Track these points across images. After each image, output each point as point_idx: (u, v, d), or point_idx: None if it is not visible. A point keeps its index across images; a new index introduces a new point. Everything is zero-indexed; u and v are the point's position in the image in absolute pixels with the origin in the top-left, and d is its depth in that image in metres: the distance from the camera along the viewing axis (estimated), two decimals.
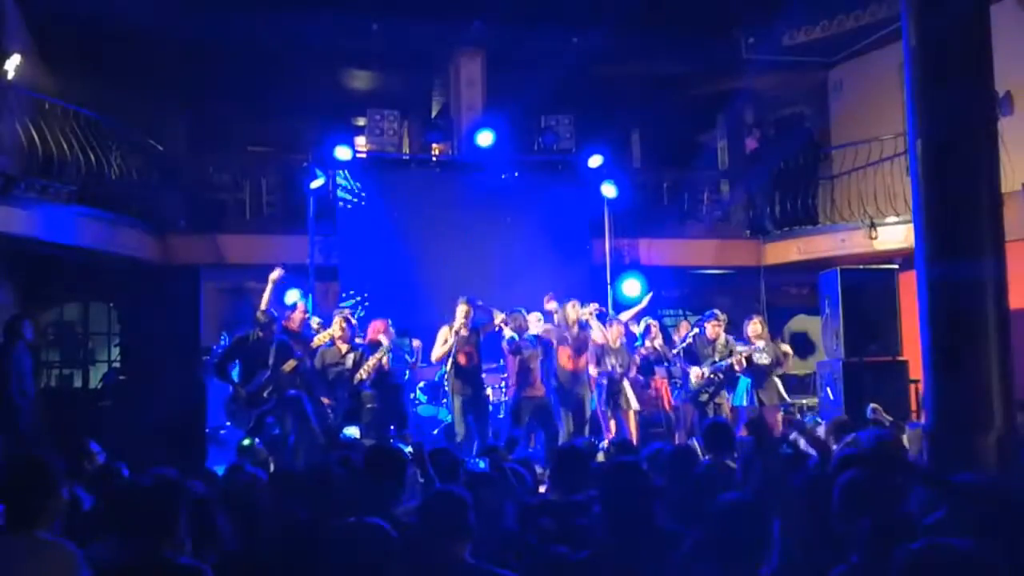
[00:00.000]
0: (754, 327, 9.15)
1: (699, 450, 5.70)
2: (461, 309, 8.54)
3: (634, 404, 9.00)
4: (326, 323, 8.87)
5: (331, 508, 3.64)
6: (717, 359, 9.03)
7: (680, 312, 13.72)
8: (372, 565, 2.88)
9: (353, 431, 8.25)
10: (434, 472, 4.32)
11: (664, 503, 3.78)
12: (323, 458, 6.59)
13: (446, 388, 9.07)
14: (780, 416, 9.09)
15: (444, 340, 8.53)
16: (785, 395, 9.15)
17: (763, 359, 8.96)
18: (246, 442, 7.44)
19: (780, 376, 9.27)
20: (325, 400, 8.24)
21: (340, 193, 11.71)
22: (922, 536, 2.67)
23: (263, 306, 8.22)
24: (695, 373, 9.03)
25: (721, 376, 9.04)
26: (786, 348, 9.48)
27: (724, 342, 9.14)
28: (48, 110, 9.89)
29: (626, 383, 9.01)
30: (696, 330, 9.32)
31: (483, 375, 8.91)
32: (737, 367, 8.95)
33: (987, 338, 4.62)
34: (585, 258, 12.13)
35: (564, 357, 8.64)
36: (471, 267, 11.24)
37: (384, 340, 8.57)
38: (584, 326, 8.74)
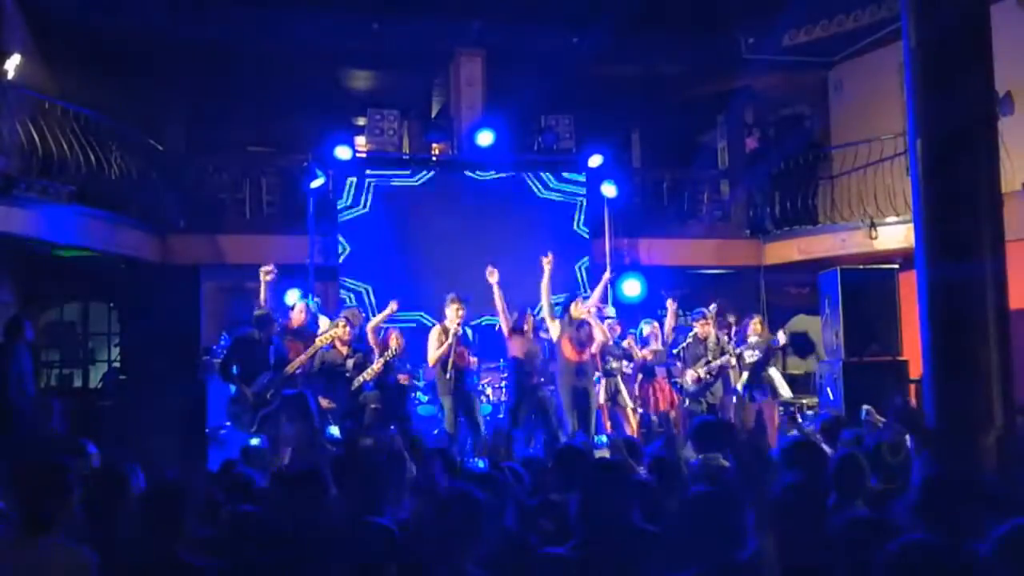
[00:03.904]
0: (754, 326, 9.24)
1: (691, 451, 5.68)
2: (454, 308, 8.50)
3: (629, 402, 9.01)
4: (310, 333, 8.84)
5: (325, 509, 3.63)
6: (711, 359, 9.06)
7: (680, 312, 13.72)
8: (375, 565, 2.87)
9: (333, 430, 8.23)
10: (435, 472, 4.32)
11: (648, 502, 3.78)
12: (317, 458, 6.60)
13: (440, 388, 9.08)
14: (776, 411, 9.15)
15: (440, 341, 8.47)
16: (781, 391, 9.16)
17: (754, 356, 9.01)
18: (254, 442, 7.41)
19: (780, 371, 9.32)
20: (324, 402, 8.24)
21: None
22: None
23: (261, 301, 8.18)
24: (690, 376, 9.06)
25: (714, 375, 9.08)
26: (781, 337, 9.39)
27: (715, 340, 9.16)
28: (48, 110, 9.88)
29: (620, 381, 9.03)
30: (694, 331, 9.33)
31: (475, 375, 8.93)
32: (731, 367, 9.02)
33: (987, 338, 4.62)
34: (585, 258, 12.14)
35: (568, 349, 8.61)
36: (470, 267, 11.20)
37: (393, 343, 8.58)
38: (584, 323, 8.73)
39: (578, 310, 8.67)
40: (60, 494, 3.11)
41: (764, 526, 3.11)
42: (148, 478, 3.98)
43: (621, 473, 3.56)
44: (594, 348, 8.77)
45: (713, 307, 9.31)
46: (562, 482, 4.30)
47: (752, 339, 9.14)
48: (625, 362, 9.17)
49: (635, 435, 8.80)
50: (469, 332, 8.66)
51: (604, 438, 8.25)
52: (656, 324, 9.70)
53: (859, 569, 2.69)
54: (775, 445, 8.00)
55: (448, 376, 8.40)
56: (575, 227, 12.23)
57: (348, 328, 8.50)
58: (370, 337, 8.68)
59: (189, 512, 3.32)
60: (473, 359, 8.79)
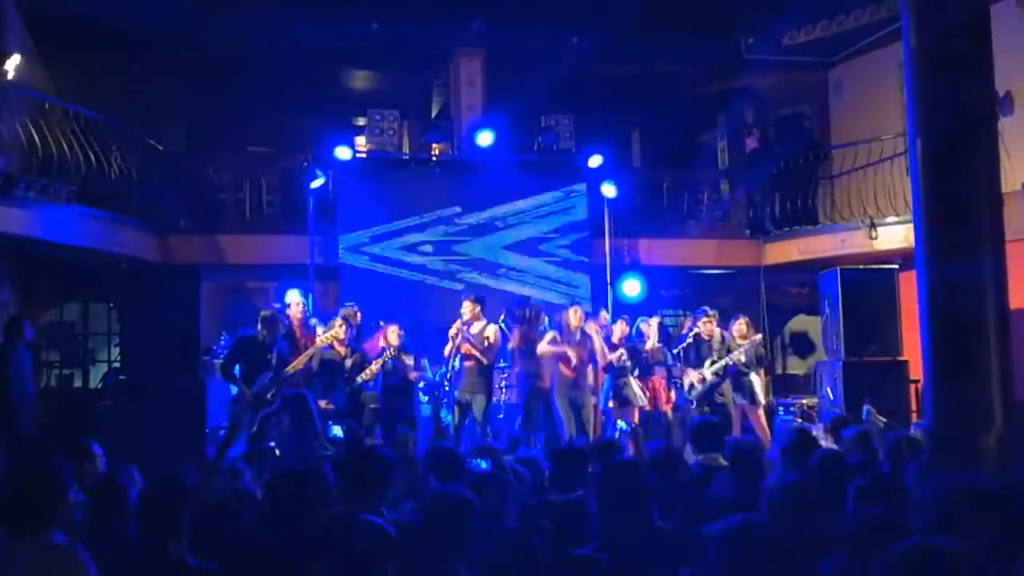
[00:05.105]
0: (739, 327, 9.21)
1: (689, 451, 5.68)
2: (466, 306, 8.63)
3: (641, 399, 9.00)
4: (324, 323, 8.87)
5: (326, 507, 3.63)
6: (716, 358, 9.03)
7: (680, 312, 13.72)
8: (370, 564, 2.86)
9: (336, 430, 8.26)
10: (435, 472, 4.31)
11: (658, 502, 3.79)
12: (318, 458, 6.59)
13: (446, 387, 9.12)
14: (760, 416, 9.14)
15: (450, 337, 8.65)
16: (760, 397, 9.18)
17: (739, 359, 9.00)
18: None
19: (762, 376, 9.33)
20: (322, 403, 8.24)
21: None
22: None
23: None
24: (695, 377, 9.02)
25: (721, 374, 9.05)
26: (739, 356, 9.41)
27: (720, 339, 9.14)
28: (48, 110, 9.88)
29: (631, 377, 9.02)
30: (697, 329, 9.32)
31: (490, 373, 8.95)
32: (743, 365, 8.98)
33: (987, 338, 4.62)
34: (585, 258, 12.13)
35: (562, 363, 8.64)
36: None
37: (392, 342, 8.62)
38: (586, 336, 8.73)
39: (576, 318, 8.67)
40: (54, 494, 3.11)
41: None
42: (148, 478, 3.98)
43: (638, 472, 3.55)
44: (601, 360, 8.76)
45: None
46: (563, 482, 4.30)
47: (743, 343, 9.14)
48: (623, 352, 9.11)
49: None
50: (492, 331, 8.71)
51: (623, 424, 8.29)
52: (654, 323, 9.68)
53: (863, 568, 2.69)
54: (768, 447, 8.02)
55: (449, 373, 8.54)
56: (574, 228, 12.21)
57: (346, 328, 8.50)
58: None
59: (187, 512, 3.32)
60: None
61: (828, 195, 12.76)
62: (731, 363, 8.98)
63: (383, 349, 8.67)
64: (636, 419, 8.96)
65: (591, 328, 8.75)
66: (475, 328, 8.66)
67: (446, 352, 8.73)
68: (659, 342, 9.46)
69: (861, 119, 12.65)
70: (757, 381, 9.16)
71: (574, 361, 8.54)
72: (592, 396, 8.83)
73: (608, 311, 10.53)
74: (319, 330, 8.81)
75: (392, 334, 8.73)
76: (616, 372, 8.96)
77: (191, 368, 9.19)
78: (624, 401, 8.92)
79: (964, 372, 4.67)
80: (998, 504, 3.03)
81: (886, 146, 11.49)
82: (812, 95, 13.81)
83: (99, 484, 3.78)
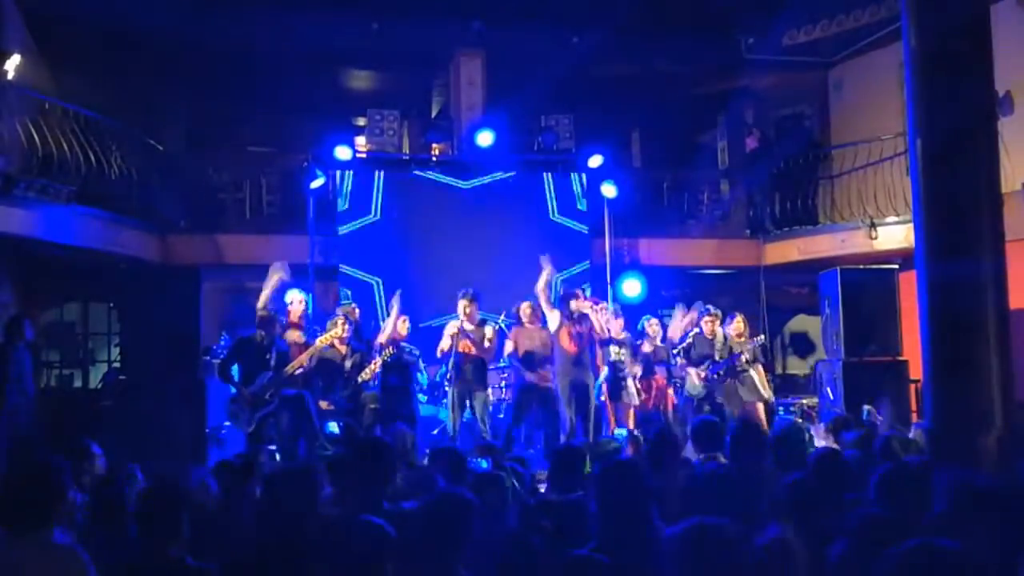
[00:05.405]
0: (736, 326, 9.21)
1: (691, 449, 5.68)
2: (461, 304, 8.63)
3: (634, 399, 9.00)
4: (309, 329, 8.83)
5: (318, 507, 3.64)
6: (717, 358, 9.03)
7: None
8: (370, 564, 2.86)
9: (332, 427, 8.26)
10: (438, 471, 4.31)
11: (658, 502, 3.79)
12: (316, 457, 6.60)
13: (446, 387, 9.12)
14: (761, 411, 9.15)
15: (448, 335, 8.63)
16: (763, 391, 9.17)
17: (744, 358, 9.01)
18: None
19: (761, 372, 9.33)
20: (323, 404, 8.24)
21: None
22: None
23: (262, 303, 8.15)
24: (696, 377, 9.01)
25: (721, 374, 9.05)
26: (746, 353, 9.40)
27: (723, 339, 9.14)
28: (48, 110, 9.89)
29: (629, 377, 9.01)
30: (696, 329, 9.32)
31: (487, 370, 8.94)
32: (745, 363, 8.97)
33: (987, 338, 4.61)
34: (585, 258, 12.14)
35: (565, 338, 8.62)
36: (471, 267, 11.23)
37: (402, 332, 8.65)
38: (584, 317, 8.73)
39: (578, 304, 8.68)
40: (52, 493, 3.11)
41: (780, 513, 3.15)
42: (148, 478, 3.99)
43: (637, 472, 3.56)
44: (599, 334, 8.75)
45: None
46: (562, 482, 4.30)
47: (741, 340, 9.14)
48: (622, 349, 9.10)
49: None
50: (490, 331, 8.73)
51: (623, 432, 8.28)
52: (656, 321, 9.69)
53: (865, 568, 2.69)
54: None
55: (449, 373, 8.56)
56: (574, 227, 12.22)
57: (347, 326, 8.49)
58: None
59: (187, 512, 3.32)
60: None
61: (828, 195, 12.76)
62: (736, 365, 8.98)
63: (381, 347, 8.66)
64: (631, 420, 8.97)
65: (586, 307, 8.73)
66: (472, 326, 8.66)
67: (444, 349, 8.67)
68: (661, 341, 9.47)
69: (861, 119, 12.65)
70: (757, 377, 9.16)
71: (571, 333, 8.52)
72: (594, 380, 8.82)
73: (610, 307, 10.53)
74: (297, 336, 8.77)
75: (402, 325, 8.73)
76: (616, 366, 8.95)
77: (191, 368, 9.21)
78: (618, 397, 8.92)
79: (964, 372, 4.66)
80: (998, 504, 3.04)
81: (886, 146, 11.50)
82: (812, 95, 13.82)
83: (99, 484, 3.78)
